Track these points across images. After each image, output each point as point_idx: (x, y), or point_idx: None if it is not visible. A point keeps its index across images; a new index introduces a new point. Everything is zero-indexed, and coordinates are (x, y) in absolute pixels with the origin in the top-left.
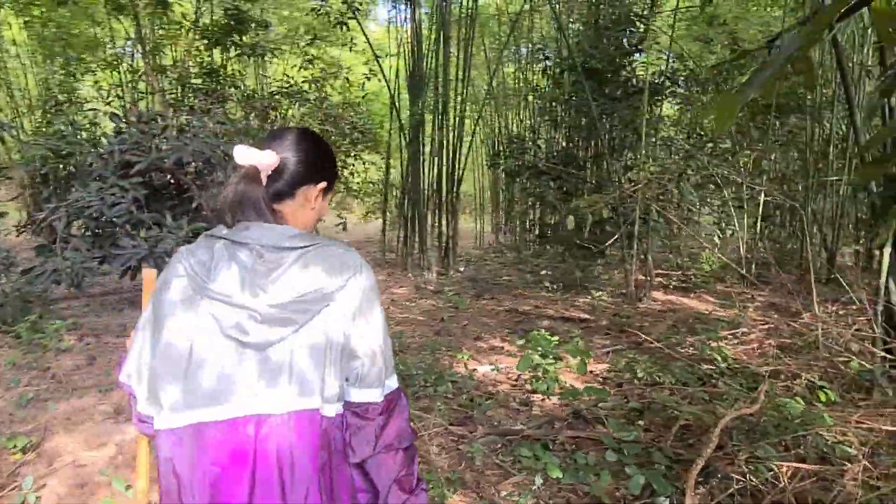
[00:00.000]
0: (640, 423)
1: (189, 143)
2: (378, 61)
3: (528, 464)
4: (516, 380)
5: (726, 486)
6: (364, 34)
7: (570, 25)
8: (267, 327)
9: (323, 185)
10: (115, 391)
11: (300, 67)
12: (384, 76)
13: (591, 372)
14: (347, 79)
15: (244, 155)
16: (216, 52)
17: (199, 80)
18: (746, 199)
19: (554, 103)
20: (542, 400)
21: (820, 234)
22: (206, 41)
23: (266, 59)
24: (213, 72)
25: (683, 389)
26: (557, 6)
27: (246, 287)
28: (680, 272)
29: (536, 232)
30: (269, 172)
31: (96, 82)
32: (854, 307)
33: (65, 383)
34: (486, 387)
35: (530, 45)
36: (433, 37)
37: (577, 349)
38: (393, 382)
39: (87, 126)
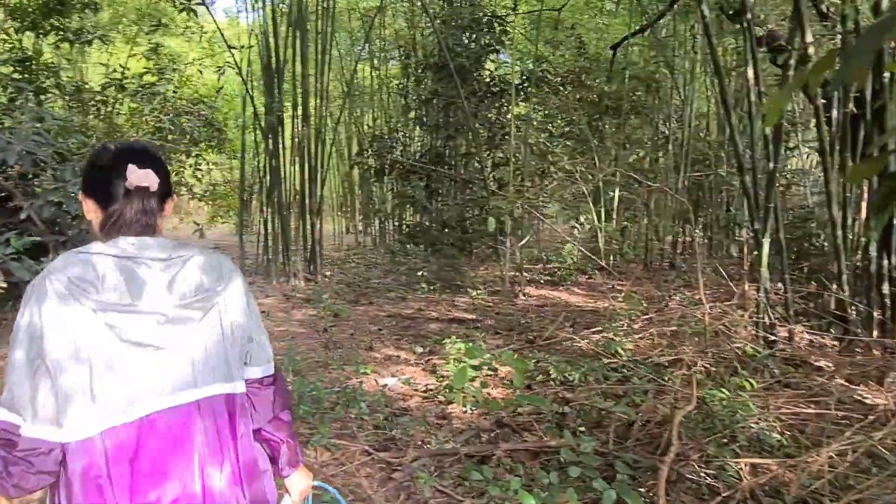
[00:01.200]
0: (570, 426)
1: (13, 142)
2: (231, 52)
3: (475, 486)
4: (425, 391)
5: (694, 489)
6: (215, 22)
7: (428, 24)
8: (171, 326)
9: (174, 196)
10: None
11: (142, 57)
12: (239, 69)
13: (496, 375)
14: (201, 72)
15: (139, 176)
16: (27, 38)
17: (8, 70)
18: (600, 194)
19: (416, 101)
20: (461, 412)
21: (653, 226)
22: (17, 23)
23: (92, 47)
24: (25, 59)
25: (597, 387)
26: (419, 3)
27: (145, 293)
28: (540, 266)
29: (403, 232)
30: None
31: None
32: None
33: None
34: (396, 402)
35: (384, 42)
36: (288, 28)
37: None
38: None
39: None
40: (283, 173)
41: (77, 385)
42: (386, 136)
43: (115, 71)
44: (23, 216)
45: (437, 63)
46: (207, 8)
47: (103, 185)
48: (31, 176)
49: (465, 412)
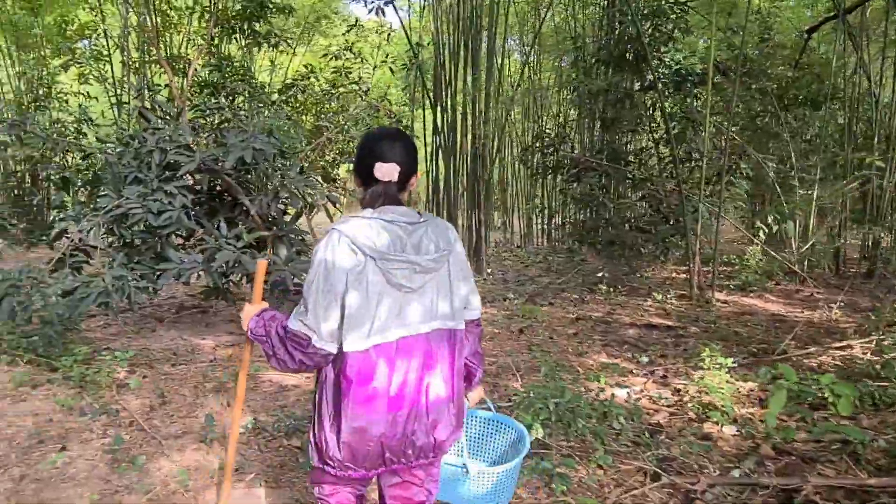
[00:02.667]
0: (880, 462)
1: (251, 141)
2: (413, 49)
3: None
4: (672, 406)
5: None
6: (400, 20)
7: (597, 14)
8: (422, 275)
9: (418, 174)
10: (220, 442)
11: (333, 57)
12: (419, 68)
13: (738, 391)
14: (391, 69)
15: (384, 172)
16: (225, 42)
17: (215, 74)
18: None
19: (588, 95)
20: (718, 432)
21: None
22: (219, 29)
23: (279, 48)
24: (220, 63)
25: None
26: None
27: (406, 248)
28: (719, 268)
29: (567, 231)
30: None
31: (81, 75)
32: None
33: (150, 431)
34: (640, 416)
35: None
36: (463, 25)
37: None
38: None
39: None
40: (453, 168)
41: (356, 312)
42: (555, 133)
43: (309, 71)
44: (253, 212)
45: (611, 54)
46: (395, 8)
47: (366, 170)
48: (262, 174)
49: (735, 434)
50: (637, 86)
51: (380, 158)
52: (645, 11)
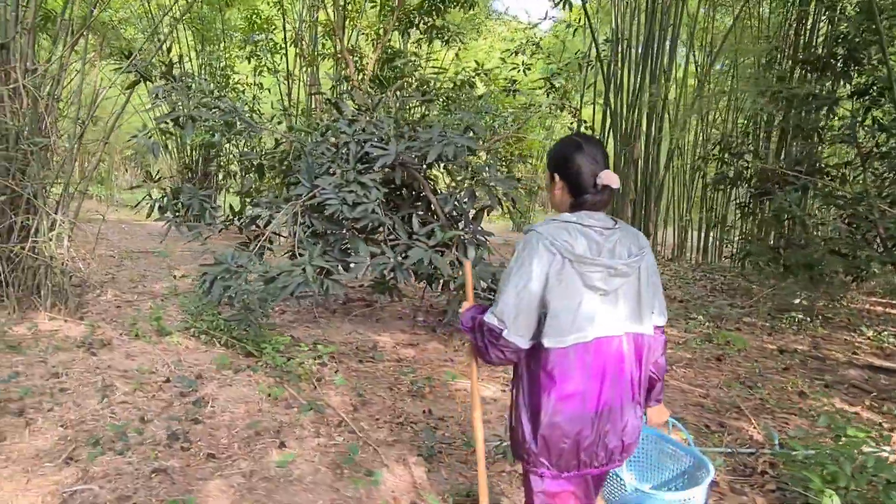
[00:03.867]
0: None
1: (451, 137)
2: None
3: None
4: None
5: None
6: (585, 11)
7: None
8: (617, 279)
9: None
10: (439, 457)
11: (514, 52)
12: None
13: None
14: (580, 65)
15: (612, 179)
16: (396, 36)
17: (385, 68)
18: None
19: (782, 101)
20: None
21: None
22: (398, 22)
23: (453, 43)
24: (393, 56)
25: None
26: None
27: (602, 252)
28: None
29: (745, 248)
30: None
31: (256, 67)
32: None
33: (360, 435)
34: None
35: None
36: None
37: None
38: None
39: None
40: (622, 173)
41: (556, 311)
42: (737, 140)
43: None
44: (441, 209)
45: (815, 56)
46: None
47: (575, 178)
48: (455, 171)
49: None
50: (846, 91)
51: (598, 165)
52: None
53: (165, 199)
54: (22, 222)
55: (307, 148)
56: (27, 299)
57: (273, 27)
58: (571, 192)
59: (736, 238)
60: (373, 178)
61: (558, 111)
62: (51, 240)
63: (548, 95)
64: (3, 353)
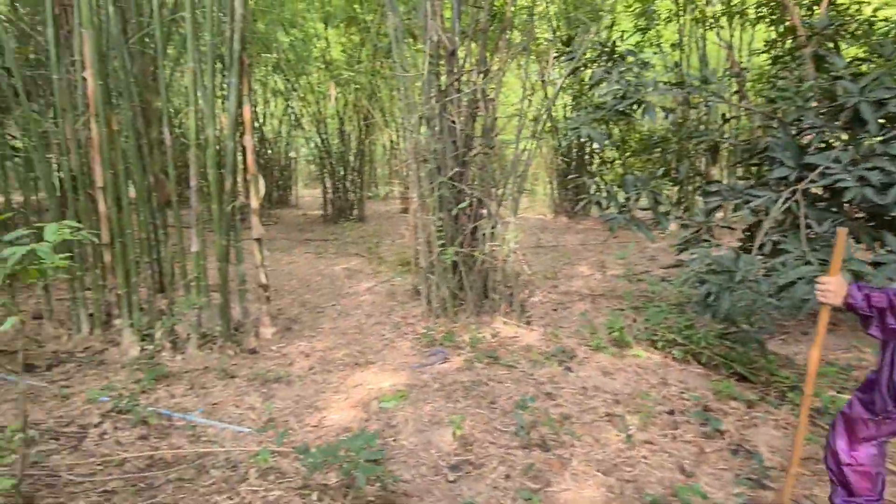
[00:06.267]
0: None
1: None
2: None
3: None
4: None
5: None
6: None
7: None
8: None
9: None
10: None
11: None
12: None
13: None
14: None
15: None
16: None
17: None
18: None
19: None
20: None
21: None
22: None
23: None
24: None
25: None
26: None
27: None
28: None
29: None
30: None
31: (638, 42)
32: None
33: None
34: None
35: None
36: None
37: None
38: None
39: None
40: None
41: None
42: None
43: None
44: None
45: None
46: None
47: None
48: None
49: None
50: None
51: None
52: None
53: (606, 193)
54: (475, 226)
55: (789, 118)
56: (479, 302)
57: None
58: None
59: None
60: None
61: None
62: (503, 242)
63: None
64: (492, 366)
